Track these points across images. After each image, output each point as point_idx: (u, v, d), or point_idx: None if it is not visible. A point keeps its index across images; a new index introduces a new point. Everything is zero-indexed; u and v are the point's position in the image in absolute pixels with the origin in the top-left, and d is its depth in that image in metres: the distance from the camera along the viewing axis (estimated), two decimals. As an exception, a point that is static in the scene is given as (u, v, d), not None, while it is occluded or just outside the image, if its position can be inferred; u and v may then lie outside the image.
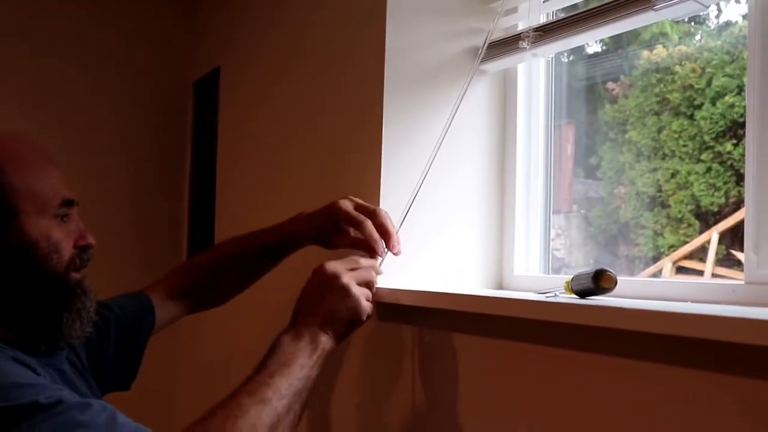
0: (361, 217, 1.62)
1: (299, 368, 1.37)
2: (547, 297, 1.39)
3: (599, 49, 2.29)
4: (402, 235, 1.76)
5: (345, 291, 1.49)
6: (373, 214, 1.62)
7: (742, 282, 1.39)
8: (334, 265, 1.52)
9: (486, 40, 1.86)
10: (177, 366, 3.37)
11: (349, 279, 1.50)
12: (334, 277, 1.50)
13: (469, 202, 1.94)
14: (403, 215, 1.76)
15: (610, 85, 2.38)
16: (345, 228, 1.68)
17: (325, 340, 1.45)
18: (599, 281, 1.33)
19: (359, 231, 1.62)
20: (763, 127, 1.38)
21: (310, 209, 2.18)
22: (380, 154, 1.85)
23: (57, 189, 1.35)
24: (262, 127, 2.65)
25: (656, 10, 1.49)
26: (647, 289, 1.55)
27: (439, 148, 1.77)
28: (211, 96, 3.10)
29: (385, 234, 1.62)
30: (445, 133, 1.76)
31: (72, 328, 1.36)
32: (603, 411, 1.30)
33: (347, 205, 1.65)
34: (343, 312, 1.49)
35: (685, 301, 1.41)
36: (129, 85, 3.34)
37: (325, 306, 1.48)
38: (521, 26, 1.90)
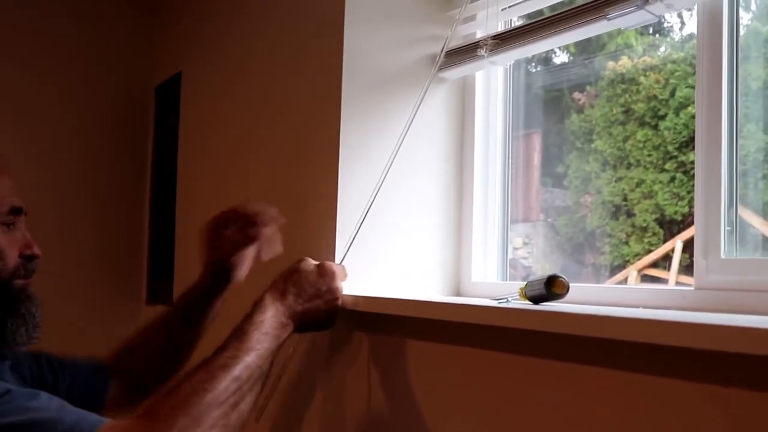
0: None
1: (267, 354, 1.42)
2: (499, 303, 1.41)
3: (566, 60, 2.31)
4: (362, 243, 1.78)
5: (336, 306, 1.61)
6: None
7: (692, 288, 1.41)
8: (339, 269, 1.63)
9: (444, 47, 1.88)
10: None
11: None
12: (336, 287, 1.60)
13: (427, 209, 1.95)
14: (360, 222, 1.77)
15: (576, 95, 2.40)
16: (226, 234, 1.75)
17: (290, 330, 1.52)
18: (551, 287, 1.35)
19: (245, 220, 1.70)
20: (711, 134, 1.40)
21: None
22: (337, 159, 1.85)
23: (4, 197, 1.38)
24: (222, 132, 2.64)
25: (609, 19, 1.51)
26: (604, 295, 1.56)
27: (396, 155, 1.77)
28: (172, 100, 3.09)
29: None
30: (403, 139, 1.77)
31: (17, 333, 1.37)
32: (554, 414, 1.31)
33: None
34: (322, 320, 1.60)
35: (638, 307, 1.42)
36: (88, 90, 3.30)
37: (311, 308, 1.56)
38: (479, 34, 1.91)
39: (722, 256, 1.38)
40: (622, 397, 1.19)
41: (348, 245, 1.77)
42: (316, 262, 1.62)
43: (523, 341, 1.36)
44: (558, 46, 1.89)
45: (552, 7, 1.78)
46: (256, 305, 1.49)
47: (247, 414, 1.34)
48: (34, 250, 1.41)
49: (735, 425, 1.03)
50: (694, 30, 2.15)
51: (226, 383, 1.29)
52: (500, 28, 1.88)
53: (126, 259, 3.39)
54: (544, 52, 1.92)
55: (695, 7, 1.48)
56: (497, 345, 1.43)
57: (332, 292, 1.59)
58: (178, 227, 3.00)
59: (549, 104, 2.18)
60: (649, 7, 1.44)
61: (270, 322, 1.45)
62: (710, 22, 1.42)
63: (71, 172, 3.18)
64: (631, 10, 1.46)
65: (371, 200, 1.78)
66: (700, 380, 1.07)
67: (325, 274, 1.59)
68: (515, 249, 2.35)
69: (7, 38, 3.16)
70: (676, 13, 1.55)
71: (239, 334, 1.41)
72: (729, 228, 1.39)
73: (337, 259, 1.78)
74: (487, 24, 1.88)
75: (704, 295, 1.37)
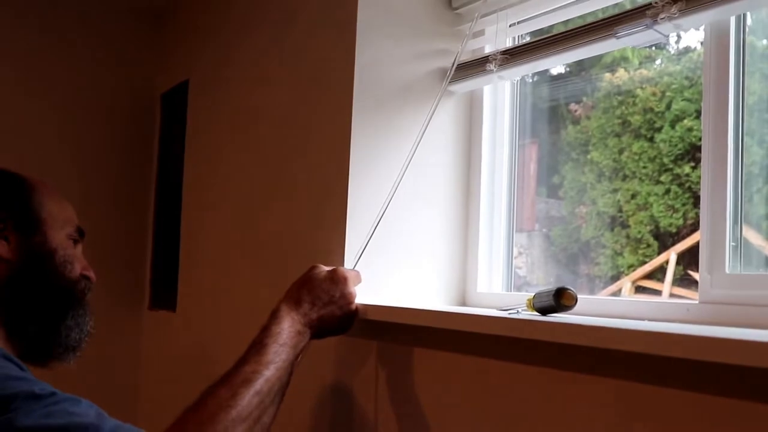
0: None
1: (286, 365, 1.44)
2: (510, 314, 1.42)
3: (563, 71, 2.32)
4: (369, 252, 1.79)
5: (352, 309, 1.63)
6: None
7: (697, 302, 1.43)
8: (351, 274, 1.65)
9: (454, 62, 1.88)
10: (139, 363, 3.37)
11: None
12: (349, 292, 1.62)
13: (435, 220, 1.96)
14: (371, 230, 1.78)
15: (573, 106, 2.41)
16: None
17: (307, 338, 1.54)
18: (561, 299, 1.36)
19: None
20: (718, 150, 1.42)
21: (275, 218, 2.19)
22: (347, 170, 1.86)
23: (73, 217, 1.53)
24: (229, 139, 2.65)
25: (618, 37, 1.53)
26: (607, 307, 1.58)
27: (407, 167, 1.79)
28: (179, 108, 3.09)
29: None
30: (414, 152, 1.78)
31: (71, 332, 1.46)
32: (562, 425, 1.33)
33: None
34: (339, 325, 1.62)
35: (642, 319, 1.44)
36: (95, 95, 3.31)
37: (328, 314, 1.59)
38: (488, 49, 1.93)
39: (727, 271, 1.39)
40: (631, 408, 1.21)
41: (359, 254, 1.78)
42: (329, 268, 1.63)
43: (532, 352, 1.38)
44: (565, 62, 1.90)
45: (562, 24, 1.80)
46: (273, 316, 1.52)
47: (269, 425, 1.38)
48: (90, 273, 1.54)
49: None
50: (690, 43, 2.17)
51: (248, 398, 1.32)
52: (509, 43, 1.90)
53: (130, 265, 3.39)
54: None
55: (701, 26, 1.49)
56: (506, 355, 1.45)
57: (346, 297, 1.61)
58: (183, 234, 3.01)
59: (545, 115, 2.18)
60: (657, 27, 1.45)
61: (287, 333, 1.48)
62: (717, 41, 1.44)
63: (76, 176, 3.18)
64: (641, 29, 1.48)
65: (382, 210, 1.78)
66: (709, 392, 1.09)
67: (338, 280, 1.61)
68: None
69: (19, 46, 3.18)
70: (685, 31, 1.56)
71: (258, 347, 1.44)
72: (734, 244, 1.41)
73: (348, 266, 1.79)
74: (496, 39, 1.90)
75: (708, 309, 1.39)
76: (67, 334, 1.45)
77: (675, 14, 1.42)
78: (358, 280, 1.67)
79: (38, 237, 1.44)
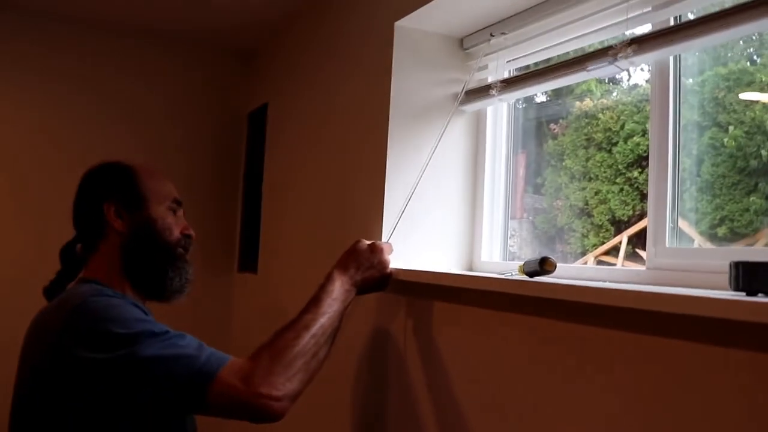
0: None
1: (336, 314, 1.44)
2: (506, 276, 1.42)
3: (545, 99, 2.31)
4: (402, 232, 1.80)
5: (387, 272, 1.62)
6: None
7: (644, 268, 1.42)
8: (386, 246, 1.64)
9: (463, 88, 1.89)
10: (231, 314, 3.40)
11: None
12: (385, 259, 1.61)
13: (451, 207, 1.95)
14: (400, 214, 1.79)
15: (552, 125, 2.39)
16: None
17: (353, 294, 1.54)
18: (544, 265, 1.36)
19: None
20: (661, 159, 1.41)
21: (333, 216, 2.20)
22: (385, 168, 1.87)
23: (171, 191, 1.51)
24: (298, 146, 2.65)
25: (588, 71, 1.52)
26: (578, 272, 1.57)
27: (427, 166, 1.80)
28: (261, 124, 3.11)
29: None
30: (431, 157, 1.80)
31: (174, 280, 1.45)
32: (540, 361, 1.33)
33: None
34: (378, 284, 1.62)
35: (605, 281, 1.43)
36: (197, 115, 3.35)
37: (369, 277, 1.58)
38: (491, 79, 1.91)
39: (667, 245, 1.38)
40: (594, 347, 1.21)
41: (391, 231, 1.79)
42: (369, 242, 1.63)
43: (522, 305, 1.38)
44: (549, 89, 1.88)
45: (546, 60, 1.79)
46: (327, 278, 1.51)
47: (323, 360, 1.37)
48: (190, 231, 1.51)
49: (672, 365, 1.05)
50: (638, 81, 2.15)
51: (306, 339, 1.33)
52: (506, 74, 1.89)
53: (223, 240, 3.42)
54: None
55: (649, 64, 1.48)
56: (502, 307, 1.45)
57: (382, 263, 1.60)
58: (263, 216, 3.02)
59: (532, 132, 2.16)
60: (617, 63, 1.44)
61: (338, 290, 1.47)
62: (660, 78, 1.42)
63: (185, 174, 3.21)
64: (604, 65, 1.47)
65: (408, 198, 1.79)
66: (651, 333, 1.10)
67: (375, 250, 1.60)
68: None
69: (144, 80, 3.23)
70: (637, 67, 1.55)
71: (316, 300, 1.43)
72: (672, 225, 1.40)
73: (385, 239, 1.79)
74: (496, 71, 1.89)
75: (654, 274, 1.38)
76: (172, 281, 1.45)
77: (630, 54, 1.40)
78: (391, 250, 1.66)
79: (144, 212, 1.44)
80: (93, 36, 3.12)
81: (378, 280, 1.60)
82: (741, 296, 0.93)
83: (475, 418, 1.49)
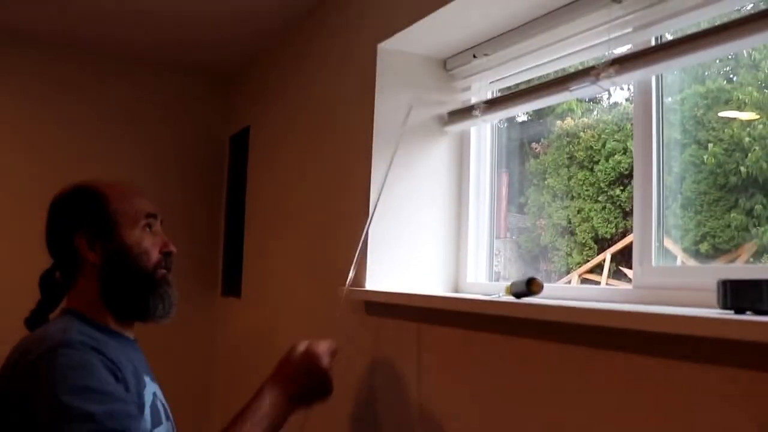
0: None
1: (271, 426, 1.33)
2: (492, 298, 1.41)
3: (526, 119, 2.32)
4: (385, 249, 1.79)
5: (327, 379, 1.42)
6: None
7: (631, 287, 1.41)
8: (322, 349, 1.44)
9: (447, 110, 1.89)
10: (214, 338, 3.37)
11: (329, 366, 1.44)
12: (321, 366, 1.42)
13: (435, 227, 1.94)
14: (365, 230, 1.78)
15: (534, 145, 2.41)
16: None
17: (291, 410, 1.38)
18: (531, 286, 1.35)
19: None
20: (644, 177, 1.41)
21: (316, 241, 2.18)
22: (368, 191, 1.86)
23: (143, 207, 1.38)
24: (280, 174, 2.65)
25: (571, 91, 1.52)
26: (564, 292, 1.55)
27: (383, 188, 1.77)
28: (243, 147, 3.10)
29: None
30: (387, 174, 1.81)
31: (156, 308, 1.36)
32: (527, 382, 1.32)
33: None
34: (317, 393, 1.42)
35: (590, 301, 1.43)
36: (180, 138, 3.34)
37: (305, 386, 1.40)
38: (474, 100, 1.92)
39: (653, 264, 1.38)
40: (582, 366, 1.20)
41: (355, 257, 1.74)
42: (304, 347, 1.43)
43: (509, 326, 1.37)
44: (532, 109, 1.89)
45: (529, 81, 1.79)
46: (258, 391, 1.37)
47: None
48: (170, 248, 1.40)
49: (663, 384, 1.05)
50: (618, 100, 2.17)
51: None
52: (489, 95, 1.89)
53: (207, 263, 3.39)
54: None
55: (630, 83, 1.49)
56: (489, 328, 1.44)
57: (319, 370, 1.41)
58: (246, 239, 3.00)
59: (514, 151, 2.18)
60: (599, 83, 1.45)
61: (267, 407, 1.34)
62: (643, 97, 1.43)
63: (164, 196, 3.16)
64: (586, 85, 1.47)
65: (371, 216, 1.77)
66: (641, 353, 1.09)
67: (310, 356, 1.42)
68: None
69: (114, 106, 3.20)
70: (618, 87, 1.55)
71: (240, 417, 1.31)
72: (657, 244, 1.39)
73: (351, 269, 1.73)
74: (479, 92, 1.90)
75: (640, 293, 1.37)
76: (156, 308, 1.35)
77: (612, 74, 1.41)
78: (331, 349, 1.45)
79: (117, 239, 1.34)
80: (71, 59, 3.10)
81: (316, 389, 1.42)
82: (730, 315, 0.93)
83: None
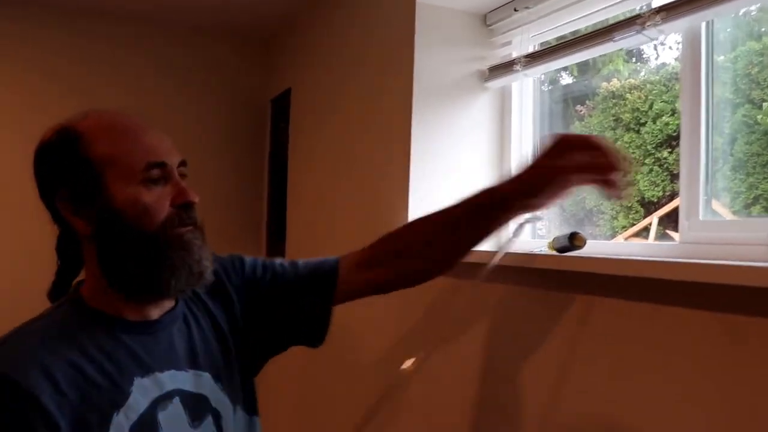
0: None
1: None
2: (535, 252, 1.40)
3: (570, 81, 2.28)
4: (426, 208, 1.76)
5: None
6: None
7: (677, 242, 1.38)
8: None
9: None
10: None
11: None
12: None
13: (475, 184, 1.91)
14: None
15: (579, 107, 2.37)
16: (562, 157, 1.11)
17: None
18: (573, 240, 1.34)
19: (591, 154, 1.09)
20: (693, 133, 1.36)
21: (359, 195, 2.17)
22: (409, 149, 1.85)
23: (142, 155, 1.02)
24: (323, 134, 2.65)
25: (615, 41, 1.48)
26: (612, 249, 1.53)
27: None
28: (284, 109, 3.11)
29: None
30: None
31: (172, 279, 1.02)
32: (570, 334, 1.31)
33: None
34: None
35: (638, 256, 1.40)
36: (223, 101, 3.36)
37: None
38: (515, 54, 1.88)
39: (700, 218, 1.35)
40: (626, 319, 1.19)
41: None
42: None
43: (555, 280, 1.36)
44: (574, 62, 1.84)
45: (572, 33, 1.75)
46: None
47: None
48: (187, 198, 1.04)
49: (709, 334, 1.02)
50: (667, 60, 2.11)
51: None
52: (531, 49, 1.85)
53: (251, 225, 3.41)
54: (553, 74, 1.89)
55: (678, 33, 1.43)
56: (534, 283, 1.43)
57: (552, 162, 1.12)
58: (289, 203, 3.02)
59: (559, 114, 2.14)
60: (645, 32, 1.41)
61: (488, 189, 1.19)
62: (691, 50, 1.37)
63: (212, 160, 3.23)
64: (632, 34, 1.44)
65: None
66: (689, 306, 1.08)
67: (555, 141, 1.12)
68: (534, 222, 2.35)
69: (149, 70, 3.23)
70: (664, 37, 1.50)
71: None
72: (705, 198, 1.36)
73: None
74: (521, 46, 1.86)
75: (686, 247, 1.34)
76: (169, 282, 1.02)
77: (659, 22, 1.37)
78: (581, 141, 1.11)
79: (102, 200, 1.00)
80: (112, 24, 3.13)
81: (535, 183, 1.12)
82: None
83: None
